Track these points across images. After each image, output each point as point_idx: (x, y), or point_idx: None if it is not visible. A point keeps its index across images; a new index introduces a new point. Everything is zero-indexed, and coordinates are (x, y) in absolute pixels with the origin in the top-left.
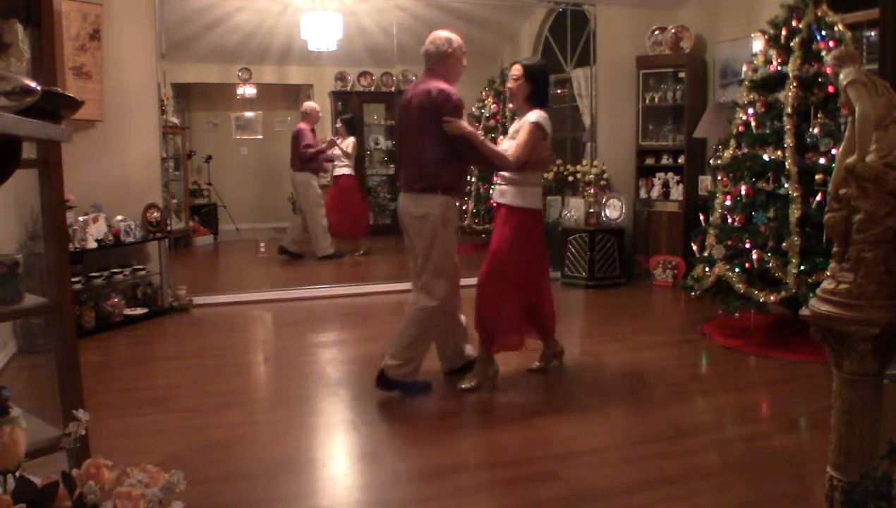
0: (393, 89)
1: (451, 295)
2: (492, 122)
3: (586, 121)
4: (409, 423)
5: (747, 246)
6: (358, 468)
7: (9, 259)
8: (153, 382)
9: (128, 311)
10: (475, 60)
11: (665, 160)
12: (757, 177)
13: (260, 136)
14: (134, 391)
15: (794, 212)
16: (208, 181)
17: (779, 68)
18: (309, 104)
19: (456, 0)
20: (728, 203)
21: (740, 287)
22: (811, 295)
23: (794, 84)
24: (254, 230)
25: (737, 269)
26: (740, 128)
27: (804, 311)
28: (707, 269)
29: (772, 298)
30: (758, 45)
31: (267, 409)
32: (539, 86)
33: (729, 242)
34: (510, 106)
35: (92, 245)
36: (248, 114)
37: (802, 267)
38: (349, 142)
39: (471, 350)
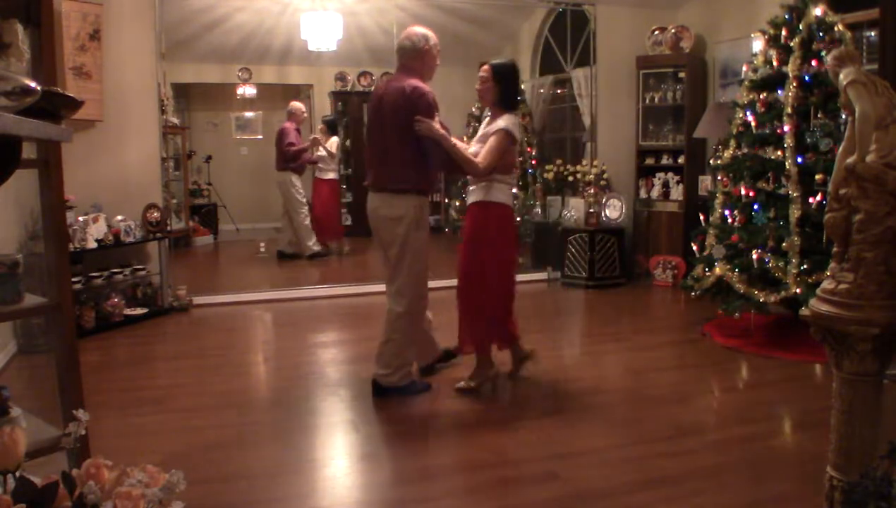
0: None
1: (423, 297)
2: None
3: (586, 121)
4: (409, 423)
5: (747, 246)
6: (358, 468)
7: (9, 259)
8: (153, 382)
9: (128, 311)
10: (475, 60)
11: (665, 160)
12: (757, 177)
13: (260, 136)
14: (134, 391)
15: (794, 212)
16: (208, 181)
17: (779, 68)
18: (294, 104)
19: (456, 0)
20: (728, 203)
21: (740, 287)
22: (811, 295)
23: (794, 84)
24: (254, 230)
25: (737, 269)
26: (740, 128)
27: (804, 311)
28: (707, 269)
29: (772, 298)
30: (758, 45)
31: (267, 409)
32: (508, 87)
33: (729, 242)
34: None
35: (92, 245)
36: (248, 114)
37: (802, 267)
38: (332, 142)
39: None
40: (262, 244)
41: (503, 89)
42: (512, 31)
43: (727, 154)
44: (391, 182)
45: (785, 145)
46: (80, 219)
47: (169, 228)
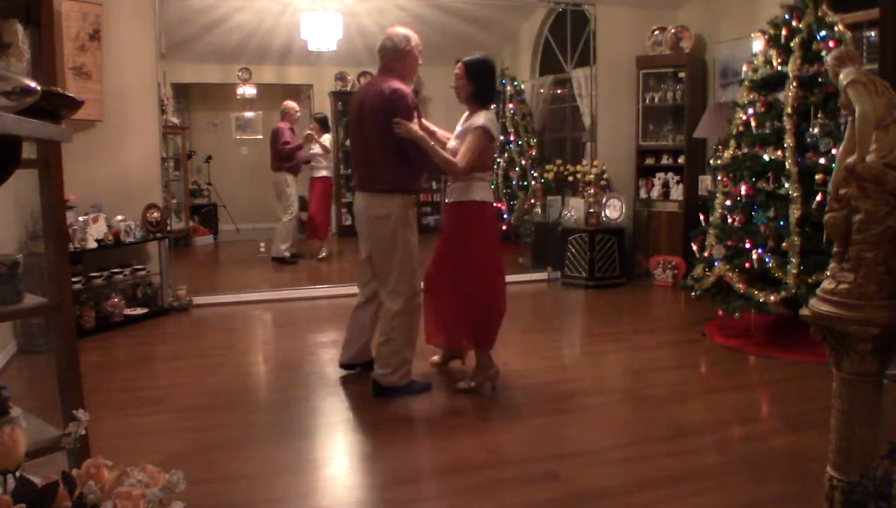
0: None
1: (416, 293)
2: None
3: (586, 121)
4: (409, 423)
5: (747, 246)
6: (358, 468)
7: (9, 259)
8: (153, 382)
9: (128, 311)
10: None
11: (665, 160)
12: (757, 177)
13: (260, 136)
14: (134, 391)
15: (794, 212)
16: (208, 181)
17: (779, 68)
18: (287, 103)
19: (456, 0)
20: (728, 203)
21: (740, 287)
22: (811, 295)
23: (794, 84)
24: (254, 230)
25: (737, 269)
26: (740, 128)
27: (804, 311)
28: (707, 269)
29: (772, 298)
30: (758, 45)
31: (267, 409)
32: (482, 83)
33: (729, 242)
34: (510, 108)
35: (92, 245)
36: (248, 114)
37: (802, 268)
38: (326, 138)
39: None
40: (262, 244)
41: (477, 85)
42: (512, 31)
43: (727, 154)
44: (375, 182)
45: (785, 145)
46: (80, 219)
47: (169, 228)
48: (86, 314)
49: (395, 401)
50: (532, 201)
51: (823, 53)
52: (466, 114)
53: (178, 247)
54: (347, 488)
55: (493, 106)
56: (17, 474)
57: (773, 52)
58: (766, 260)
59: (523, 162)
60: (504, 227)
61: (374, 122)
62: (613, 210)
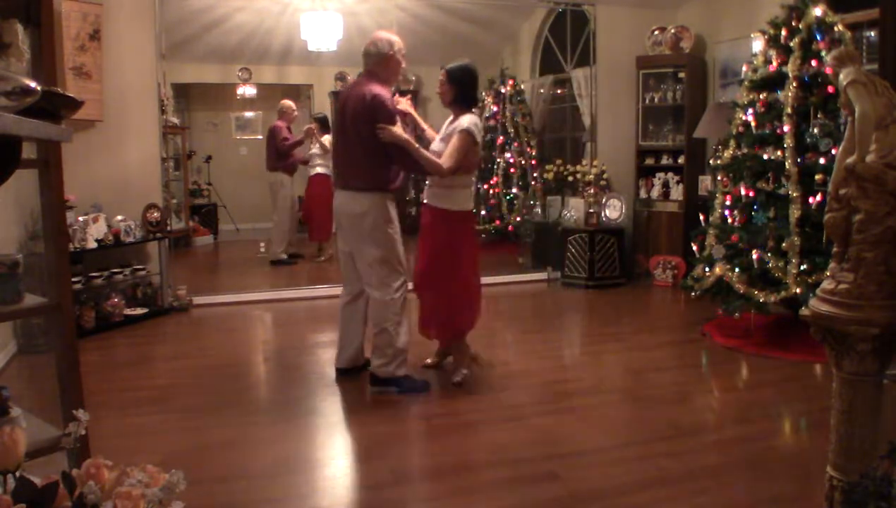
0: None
1: (402, 286)
2: (492, 122)
3: (586, 121)
4: (409, 423)
5: (747, 246)
6: (358, 468)
7: (9, 259)
8: (153, 382)
9: (128, 311)
10: (475, 60)
11: (665, 160)
12: (757, 177)
13: (260, 136)
14: (134, 391)
15: (794, 212)
16: (208, 181)
17: (779, 68)
18: (284, 102)
19: (456, 0)
20: (728, 203)
21: (740, 287)
22: (811, 295)
23: (794, 84)
24: (254, 230)
25: (737, 269)
26: (740, 128)
27: (804, 311)
28: (707, 269)
29: (772, 298)
30: (758, 45)
31: (267, 409)
32: (463, 87)
33: (729, 242)
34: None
35: (92, 245)
36: (248, 114)
37: (802, 267)
38: (326, 139)
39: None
40: (262, 244)
41: (459, 90)
42: (512, 31)
43: (727, 154)
44: (355, 181)
45: (785, 145)
46: (80, 219)
47: (169, 228)
48: (86, 314)
49: (395, 401)
50: (532, 201)
51: (823, 53)
52: (451, 117)
53: (178, 246)
54: (347, 488)
55: (475, 109)
56: (17, 474)
57: (773, 52)
58: (766, 260)
59: (523, 162)
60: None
61: (355, 125)
62: (613, 210)
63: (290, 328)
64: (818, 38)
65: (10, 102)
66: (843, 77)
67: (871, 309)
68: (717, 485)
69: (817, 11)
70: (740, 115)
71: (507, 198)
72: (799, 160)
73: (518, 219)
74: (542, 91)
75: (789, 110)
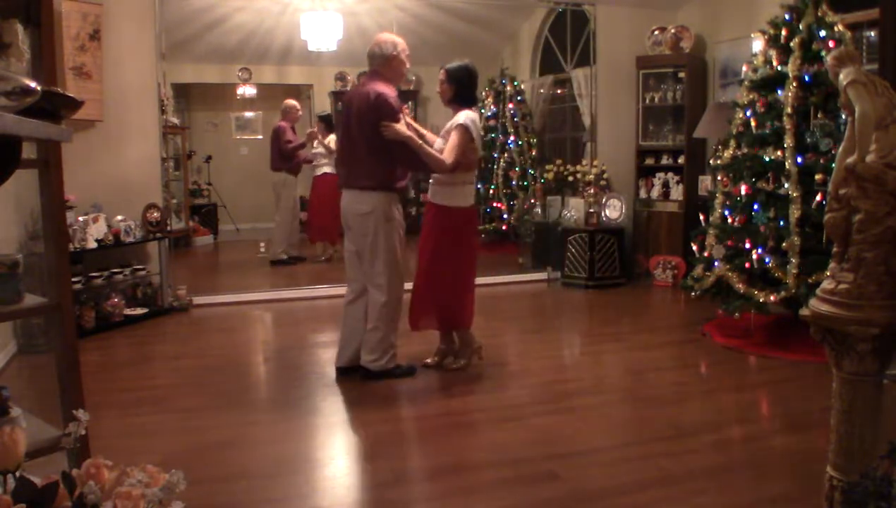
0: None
1: (400, 286)
2: (492, 122)
3: (586, 121)
4: (409, 423)
5: (747, 246)
6: (358, 468)
7: (9, 259)
8: (153, 382)
9: (128, 311)
10: (475, 60)
11: (665, 160)
12: (757, 177)
13: (260, 136)
14: (134, 391)
15: (794, 212)
16: (208, 181)
17: (779, 68)
18: (288, 102)
19: (456, 0)
20: (728, 203)
21: (740, 287)
22: (811, 295)
23: (794, 84)
24: (254, 230)
25: (737, 269)
26: (740, 128)
27: (804, 311)
28: (707, 269)
29: (772, 298)
30: (758, 45)
31: (267, 409)
32: (462, 87)
33: (729, 242)
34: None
35: (92, 245)
36: (248, 114)
37: (802, 268)
38: (331, 138)
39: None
40: (263, 244)
41: (457, 89)
42: (512, 31)
43: (727, 154)
44: (359, 180)
45: (785, 145)
46: (80, 219)
47: (169, 228)
48: (86, 314)
49: (395, 401)
50: (532, 201)
51: (823, 53)
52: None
53: (178, 247)
54: (347, 488)
55: (474, 108)
56: (17, 474)
57: (773, 52)
58: (766, 260)
59: (523, 162)
60: (504, 227)
61: (360, 124)
62: (613, 210)
63: (290, 328)
64: (818, 38)
65: (10, 102)
66: (843, 77)
67: (871, 309)
68: (717, 485)
69: (817, 11)
70: (740, 115)
71: (508, 198)
72: (799, 160)
73: (518, 219)
74: (542, 91)
75: (789, 110)
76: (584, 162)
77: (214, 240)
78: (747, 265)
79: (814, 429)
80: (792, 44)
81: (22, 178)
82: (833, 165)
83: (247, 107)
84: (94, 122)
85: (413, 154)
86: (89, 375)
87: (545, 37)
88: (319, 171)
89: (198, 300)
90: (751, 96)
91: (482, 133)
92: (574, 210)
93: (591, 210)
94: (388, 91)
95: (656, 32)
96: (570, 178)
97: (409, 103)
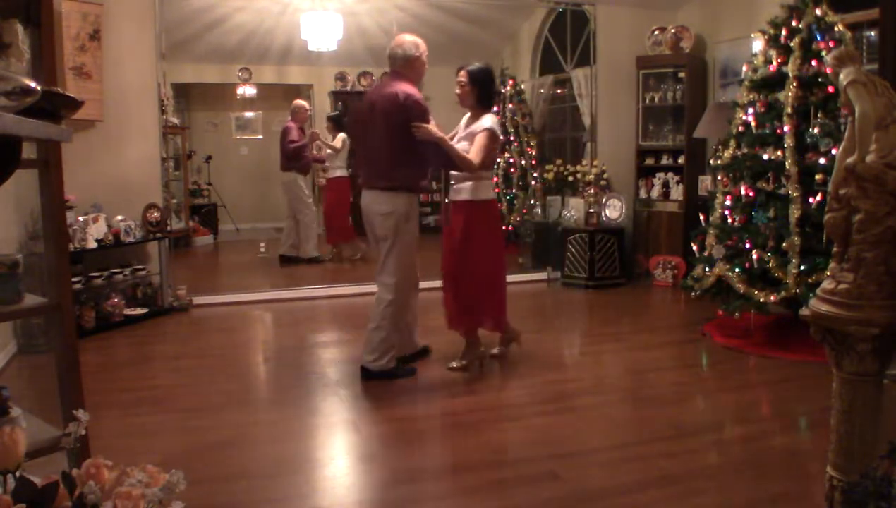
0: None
1: (409, 286)
2: None
3: (586, 121)
4: (409, 423)
5: (747, 246)
6: (358, 468)
7: (9, 259)
8: (153, 382)
9: (128, 311)
10: (475, 60)
11: (665, 160)
12: (757, 177)
13: (260, 136)
14: (134, 391)
15: (794, 212)
16: (208, 181)
17: (779, 68)
18: (296, 102)
19: (456, 0)
20: (728, 203)
21: (740, 287)
22: (811, 295)
23: (794, 84)
24: (254, 230)
25: (737, 269)
26: (740, 128)
27: (804, 311)
28: (707, 269)
29: (772, 298)
30: (758, 45)
31: (267, 409)
32: (484, 89)
33: (729, 242)
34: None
35: (92, 245)
36: (248, 114)
37: (802, 267)
38: (340, 138)
39: (418, 339)
40: (263, 244)
41: (480, 91)
42: (512, 31)
43: (727, 154)
44: (382, 180)
45: (785, 145)
46: (80, 219)
47: (169, 228)
48: (86, 314)
49: (395, 401)
50: (532, 201)
51: (823, 53)
52: (468, 116)
53: (178, 247)
54: (347, 488)
55: (494, 108)
56: (17, 474)
57: (773, 52)
58: (766, 260)
59: (523, 162)
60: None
61: (386, 124)
62: (613, 210)
63: (290, 328)
64: (818, 38)
65: (10, 102)
66: (843, 77)
67: (871, 309)
68: (717, 485)
69: (817, 11)
70: (740, 115)
71: (508, 198)
72: (799, 160)
73: (518, 218)
74: (542, 91)
75: (789, 110)
76: (584, 162)
77: (214, 240)
78: (747, 265)
79: (814, 429)
80: (792, 44)
81: (22, 178)
82: (833, 165)
83: (247, 107)
84: (94, 122)
85: (444, 153)
86: (89, 375)
87: (545, 37)
88: (332, 174)
89: (198, 300)
90: (751, 96)
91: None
92: (574, 210)
93: (591, 210)
94: (416, 92)
95: (656, 32)
96: (570, 178)
97: None
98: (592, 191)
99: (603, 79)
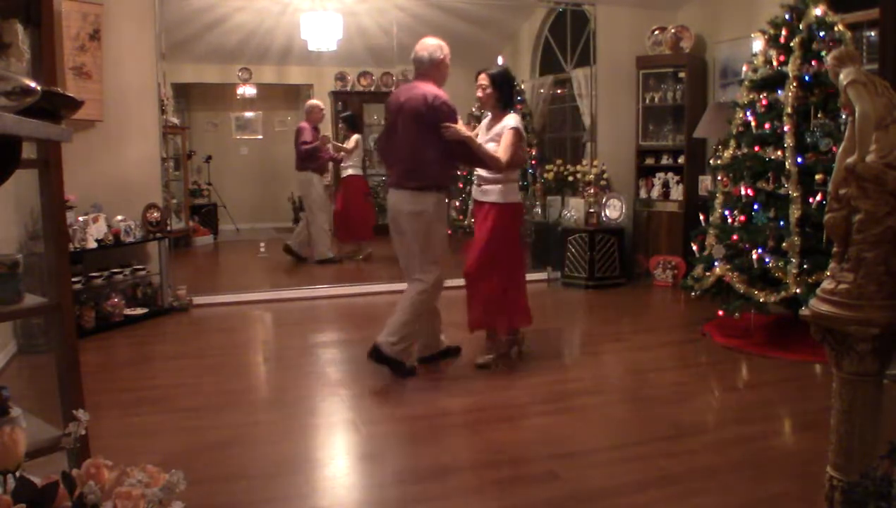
0: (393, 89)
1: (441, 280)
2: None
3: (586, 121)
4: (409, 423)
5: (747, 246)
6: (358, 468)
7: (9, 259)
8: (153, 382)
9: (128, 311)
10: (475, 60)
11: (665, 160)
12: (757, 177)
13: (260, 136)
14: (134, 391)
15: (794, 212)
16: (208, 181)
17: (779, 68)
18: (311, 102)
19: (456, 0)
20: (728, 203)
21: (740, 287)
22: (811, 295)
23: (794, 84)
24: (254, 230)
25: (737, 269)
26: (740, 128)
27: (804, 311)
28: (707, 269)
29: (772, 298)
30: (758, 45)
31: (267, 409)
32: (505, 90)
33: (729, 242)
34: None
35: (92, 245)
36: (248, 114)
37: (802, 268)
38: (354, 139)
39: (445, 338)
40: (263, 244)
41: (501, 93)
42: (512, 31)
43: (727, 154)
44: (412, 180)
45: (785, 145)
46: (80, 219)
47: (169, 228)
48: (86, 314)
49: (395, 400)
50: (532, 201)
51: (823, 53)
52: (489, 117)
53: (178, 247)
54: (347, 488)
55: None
56: (17, 474)
57: (773, 52)
58: (766, 260)
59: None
60: None
61: (415, 125)
62: (613, 210)
63: (290, 328)
64: (818, 38)
65: (10, 102)
66: (844, 77)
67: (871, 309)
68: (717, 485)
69: (817, 11)
70: (740, 115)
71: None
72: (799, 160)
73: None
74: (542, 91)
75: (789, 110)
76: (584, 162)
77: (214, 240)
78: (747, 265)
79: (814, 429)
80: (792, 44)
81: (22, 178)
82: (833, 165)
83: (247, 107)
84: (94, 122)
85: (472, 153)
86: (89, 375)
87: (545, 37)
88: (346, 173)
89: (198, 300)
90: (751, 96)
91: None
92: (574, 210)
93: (591, 210)
94: (443, 94)
95: (656, 32)
96: (570, 178)
97: None
98: (592, 191)
99: (603, 79)
